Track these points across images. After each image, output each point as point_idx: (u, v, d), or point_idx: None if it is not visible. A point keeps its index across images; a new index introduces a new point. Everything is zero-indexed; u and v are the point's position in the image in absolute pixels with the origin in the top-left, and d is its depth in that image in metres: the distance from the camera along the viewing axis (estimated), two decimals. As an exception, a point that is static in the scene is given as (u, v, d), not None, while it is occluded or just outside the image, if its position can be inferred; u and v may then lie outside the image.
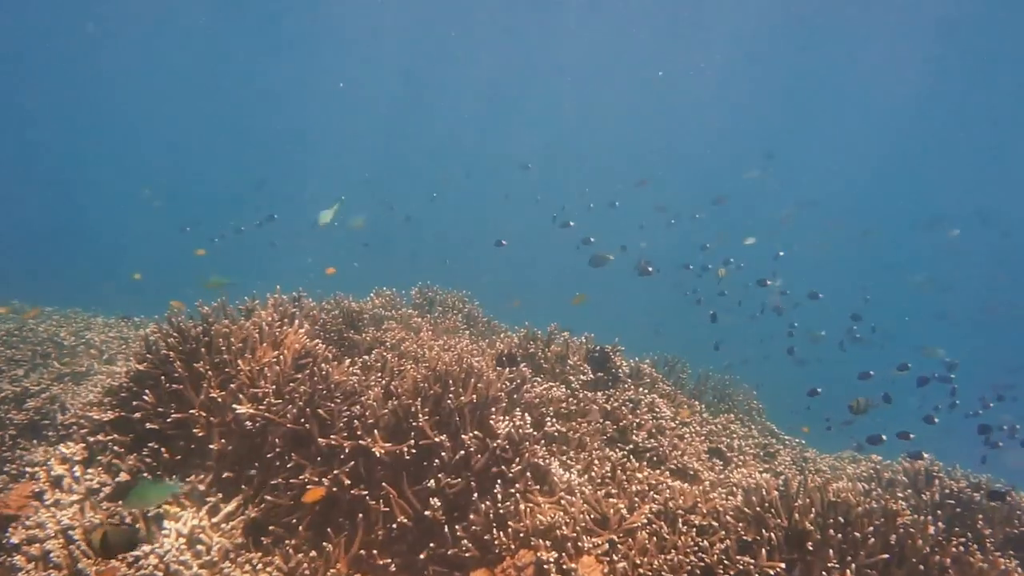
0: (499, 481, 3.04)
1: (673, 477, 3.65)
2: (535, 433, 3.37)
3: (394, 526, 2.96)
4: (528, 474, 3.07)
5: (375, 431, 3.04)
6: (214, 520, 2.94)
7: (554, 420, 3.54)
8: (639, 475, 3.21)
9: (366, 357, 3.70)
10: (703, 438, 4.21)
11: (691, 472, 3.70)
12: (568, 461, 3.34)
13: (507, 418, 3.29)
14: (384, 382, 3.35)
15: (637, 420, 4.01)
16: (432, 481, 3.05)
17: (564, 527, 2.81)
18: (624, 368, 4.64)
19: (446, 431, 3.18)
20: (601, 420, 3.87)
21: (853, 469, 4.40)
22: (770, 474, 4.13)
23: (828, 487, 3.22)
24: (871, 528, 2.85)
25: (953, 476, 3.69)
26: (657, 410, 4.18)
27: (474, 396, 3.24)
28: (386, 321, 4.73)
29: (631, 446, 3.79)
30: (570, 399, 4.04)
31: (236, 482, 3.08)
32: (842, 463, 5.94)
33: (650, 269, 9.04)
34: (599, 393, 4.16)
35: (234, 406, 3.06)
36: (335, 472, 2.94)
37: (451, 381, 3.29)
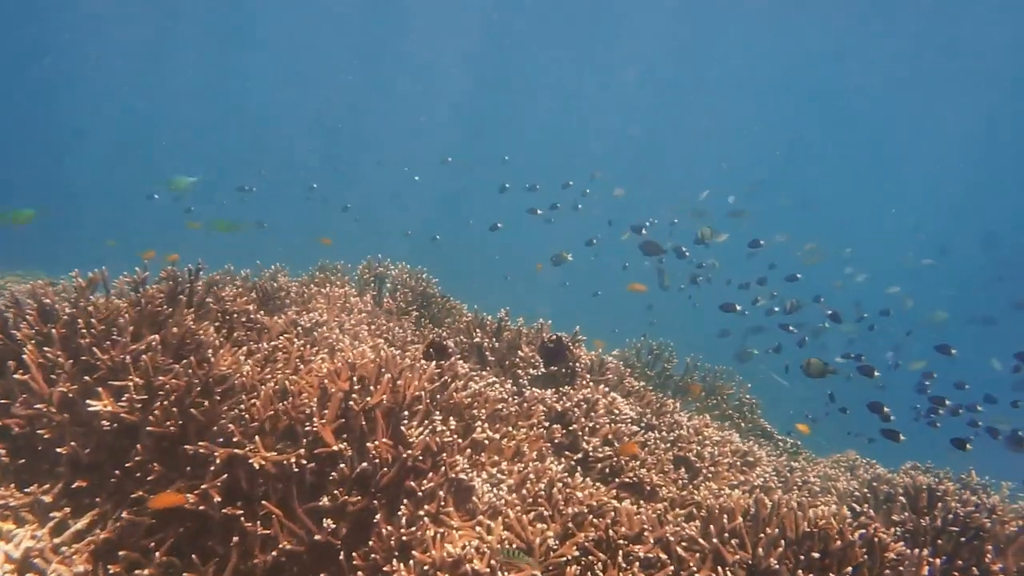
0: (407, 500, 2.61)
1: (625, 494, 3.23)
2: (460, 441, 2.94)
3: (275, 553, 2.53)
4: (442, 492, 2.64)
5: (258, 437, 2.60)
6: (57, 541, 2.51)
7: (487, 424, 3.10)
8: (579, 493, 2.79)
9: (271, 344, 3.24)
10: (670, 444, 3.80)
11: (648, 488, 3.29)
12: (499, 475, 2.91)
13: (427, 423, 2.86)
14: (281, 376, 2.90)
15: (591, 424, 3.58)
16: (327, 498, 2.62)
17: (476, 560, 2.39)
18: (584, 361, 4.21)
19: (350, 438, 2.75)
20: (546, 424, 3.45)
21: (845, 484, 3.99)
22: (746, 489, 3.73)
23: (807, 510, 2.81)
24: (850, 569, 2.44)
25: (961, 496, 3.28)
26: (616, 412, 3.76)
27: (384, 397, 2.80)
28: (314, 300, 4.27)
29: (580, 455, 3.37)
30: (512, 399, 3.61)
31: (90, 495, 2.65)
32: (837, 471, 5.56)
33: (646, 238, 8.50)
34: (549, 391, 3.73)
35: (88, 402, 2.61)
36: (203, 486, 2.51)
37: (359, 377, 2.85)
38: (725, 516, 2.72)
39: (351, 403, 2.76)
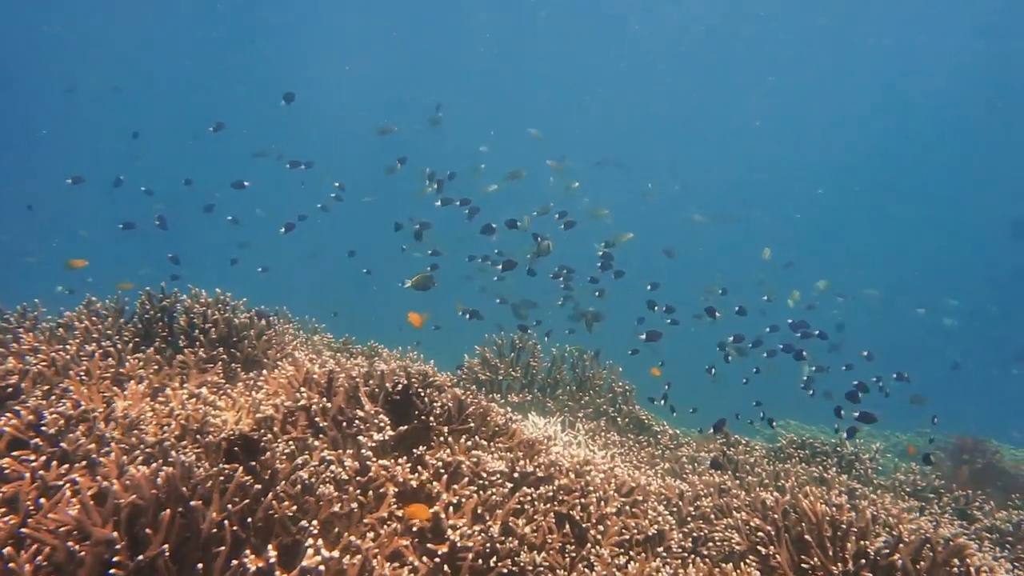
0: None
1: (506, 589, 2.87)
2: (285, 577, 2.39)
3: None
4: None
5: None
6: None
7: (321, 539, 2.57)
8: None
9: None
10: (549, 500, 3.48)
11: None
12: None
13: (235, 566, 2.28)
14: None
15: (455, 499, 3.17)
16: None
17: None
18: (439, 407, 3.76)
19: (118, 613, 2.11)
20: (398, 514, 2.97)
21: (745, 515, 3.86)
22: (639, 538, 3.52)
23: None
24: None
25: (865, 525, 3.23)
26: (484, 473, 3.37)
27: (166, 547, 2.18)
28: (70, 374, 3.41)
29: (446, 547, 2.94)
30: (355, 480, 3.10)
31: None
32: (725, 479, 5.57)
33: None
34: (396, 462, 3.25)
35: None
36: None
37: (130, 512, 2.20)
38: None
39: (113, 568, 2.11)
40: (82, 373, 3.55)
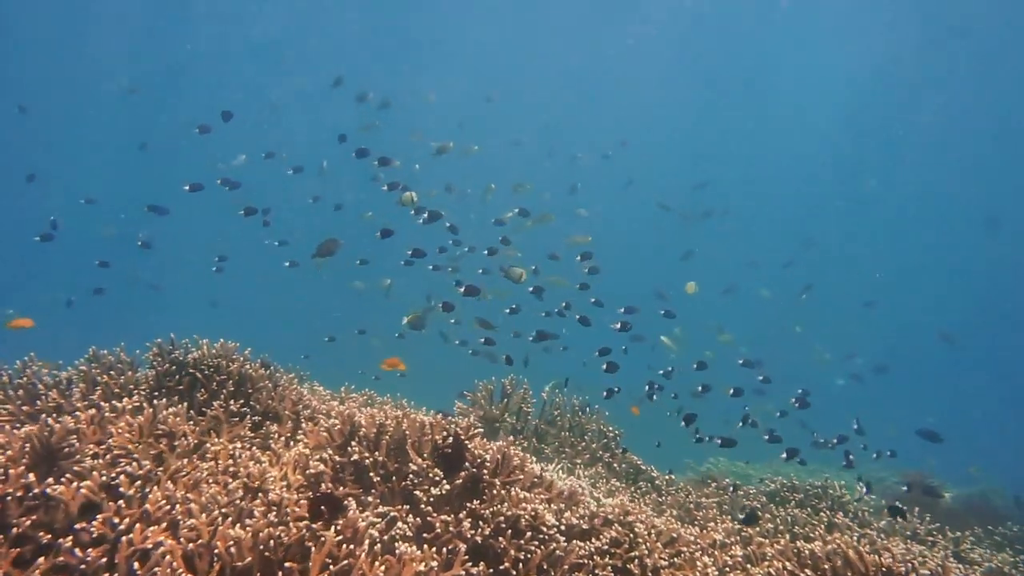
0: None
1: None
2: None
3: None
4: None
5: None
6: None
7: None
8: None
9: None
10: (605, 553, 3.61)
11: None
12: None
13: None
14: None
15: (521, 555, 3.27)
16: None
17: None
18: (488, 461, 3.87)
19: None
20: (473, 572, 3.07)
21: (789, 565, 4.06)
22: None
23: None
24: None
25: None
26: (544, 527, 3.49)
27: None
28: (114, 430, 3.40)
29: (521, 604, 3.04)
30: (417, 537, 3.18)
31: None
32: (748, 531, 5.74)
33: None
34: (458, 518, 3.34)
35: None
36: None
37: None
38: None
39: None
40: (122, 430, 3.54)
